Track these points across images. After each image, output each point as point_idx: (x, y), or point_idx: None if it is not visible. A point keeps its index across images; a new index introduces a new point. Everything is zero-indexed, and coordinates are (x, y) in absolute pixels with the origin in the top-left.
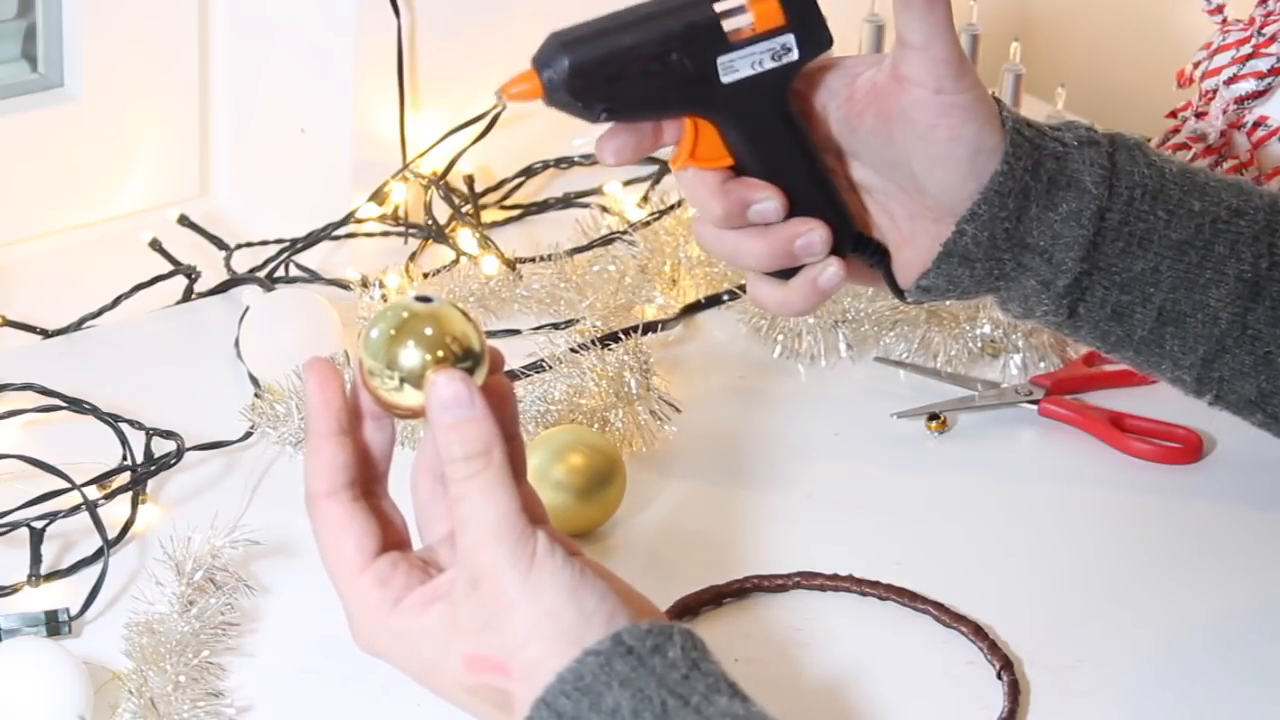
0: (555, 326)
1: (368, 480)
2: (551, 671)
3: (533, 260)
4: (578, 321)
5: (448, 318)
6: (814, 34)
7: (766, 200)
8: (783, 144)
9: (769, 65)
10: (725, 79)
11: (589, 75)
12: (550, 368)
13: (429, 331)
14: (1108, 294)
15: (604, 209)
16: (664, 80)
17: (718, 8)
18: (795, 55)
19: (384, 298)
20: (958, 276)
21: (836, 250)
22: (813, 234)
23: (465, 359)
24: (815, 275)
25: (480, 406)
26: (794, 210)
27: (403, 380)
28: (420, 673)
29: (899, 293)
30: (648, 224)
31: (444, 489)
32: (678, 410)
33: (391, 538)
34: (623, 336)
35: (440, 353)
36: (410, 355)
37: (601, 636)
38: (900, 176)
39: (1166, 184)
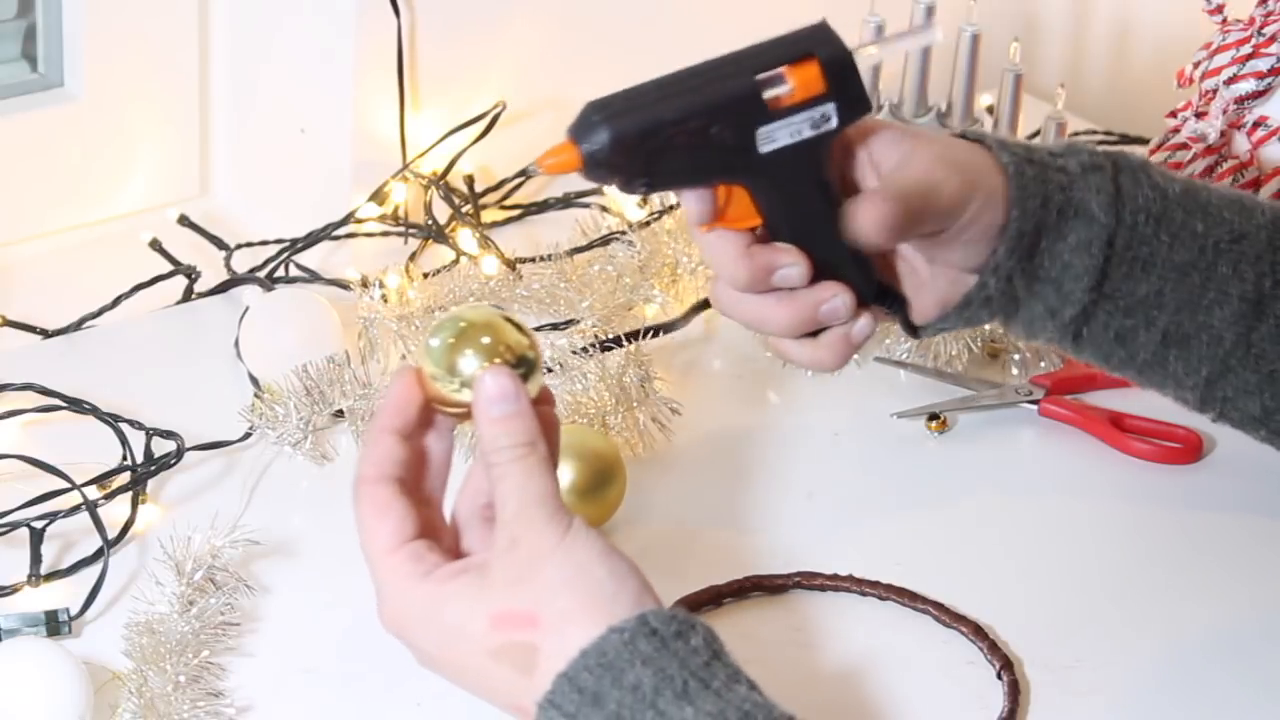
0: (555, 326)
1: (416, 484)
2: (578, 630)
3: (533, 260)
4: (578, 321)
5: (502, 327)
6: (854, 102)
7: (792, 266)
8: (814, 208)
9: (808, 134)
10: (763, 149)
11: (630, 149)
12: (551, 369)
13: (485, 340)
14: (1111, 318)
15: (604, 209)
16: (704, 152)
17: (759, 76)
18: (834, 124)
19: (384, 298)
20: (976, 316)
21: (860, 302)
22: (837, 299)
23: (519, 366)
24: (847, 330)
25: (526, 403)
26: (819, 272)
27: (462, 384)
28: (441, 642)
29: (914, 333)
30: (647, 224)
31: (482, 523)
32: (678, 412)
33: (438, 535)
34: (625, 342)
35: (496, 360)
36: (468, 362)
37: (629, 609)
38: (923, 244)
39: (1170, 206)
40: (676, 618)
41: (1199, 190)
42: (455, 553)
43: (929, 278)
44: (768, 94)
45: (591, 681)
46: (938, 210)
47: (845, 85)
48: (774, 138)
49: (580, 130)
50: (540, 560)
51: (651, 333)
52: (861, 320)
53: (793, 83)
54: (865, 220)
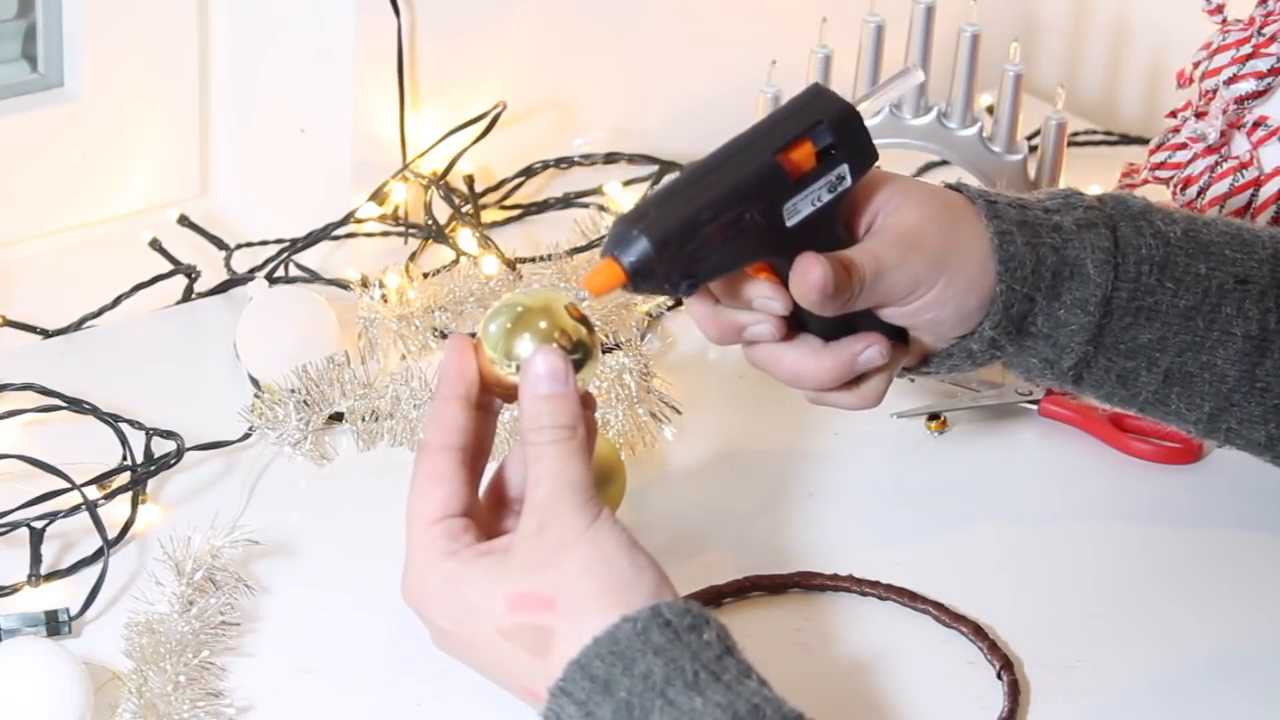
0: None
1: (475, 454)
2: (594, 617)
3: (533, 260)
4: None
5: (560, 313)
6: (863, 155)
7: (871, 347)
8: None
9: (827, 199)
10: (790, 222)
11: (672, 252)
12: None
13: (542, 324)
14: (1112, 363)
15: (603, 209)
16: (739, 239)
17: (779, 154)
18: (849, 182)
19: (384, 298)
20: (958, 366)
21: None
22: (872, 349)
23: (575, 351)
24: (887, 371)
25: (573, 387)
26: (848, 325)
27: (519, 368)
28: (458, 619)
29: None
30: None
31: (512, 515)
32: (678, 412)
33: (477, 516)
34: (620, 347)
35: (552, 344)
36: (525, 346)
37: (645, 600)
38: (895, 314)
39: (1172, 252)
40: (690, 611)
41: (1200, 229)
42: (488, 530)
43: (913, 336)
44: (788, 168)
45: (603, 669)
46: (891, 289)
47: (855, 141)
48: (798, 210)
49: (618, 246)
50: (565, 546)
51: (646, 335)
52: (896, 361)
53: (809, 151)
54: (798, 289)
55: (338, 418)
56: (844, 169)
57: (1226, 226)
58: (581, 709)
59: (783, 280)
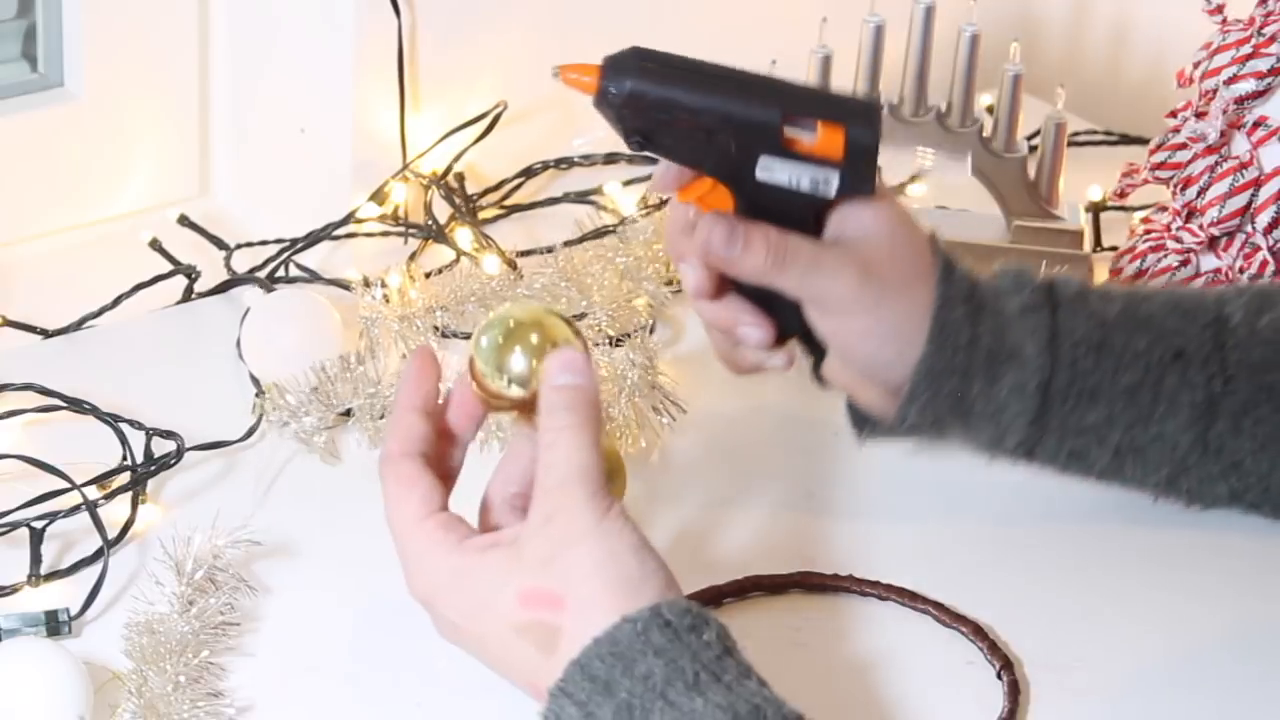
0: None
1: (440, 460)
2: (599, 617)
3: (533, 253)
4: (584, 316)
5: (550, 324)
6: (858, 182)
7: (753, 327)
8: None
9: (803, 188)
10: (759, 175)
11: (642, 109)
12: None
13: (534, 337)
14: (1060, 444)
15: (603, 209)
16: (704, 148)
17: (788, 115)
18: (831, 193)
19: (385, 298)
20: (904, 437)
21: (779, 339)
22: (753, 329)
23: None
24: (761, 356)
25: (591, 380)
26: (761, 297)
27: (510, 381)
28: (468, 614)
29: (819, 379)
30: (647, 214)
31: (510, 510)
32: (682, 410)
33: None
34: (627, 340)
35: (571, 345)
36: (517, 359)
37: (650, 601)
38: (829, 332)
39: (1110, 332)
40: (691, 611)
41: (1139, 303)
42: (479, 532)
43: (862, 391)
44: (788, 132)
45: (603, 670)
46: (821, 292)
47: (859, 166)
48: (772, 170)
49: (613, 67)
50: (573, 541)
51: (651, 328)
52: (778, 356)
53: (815, 137)
54: (702, 231)
55: (344, 416)
56: (834, 176)
57: (1168, 296)
58: (581, 709)
59: (734, 203)
